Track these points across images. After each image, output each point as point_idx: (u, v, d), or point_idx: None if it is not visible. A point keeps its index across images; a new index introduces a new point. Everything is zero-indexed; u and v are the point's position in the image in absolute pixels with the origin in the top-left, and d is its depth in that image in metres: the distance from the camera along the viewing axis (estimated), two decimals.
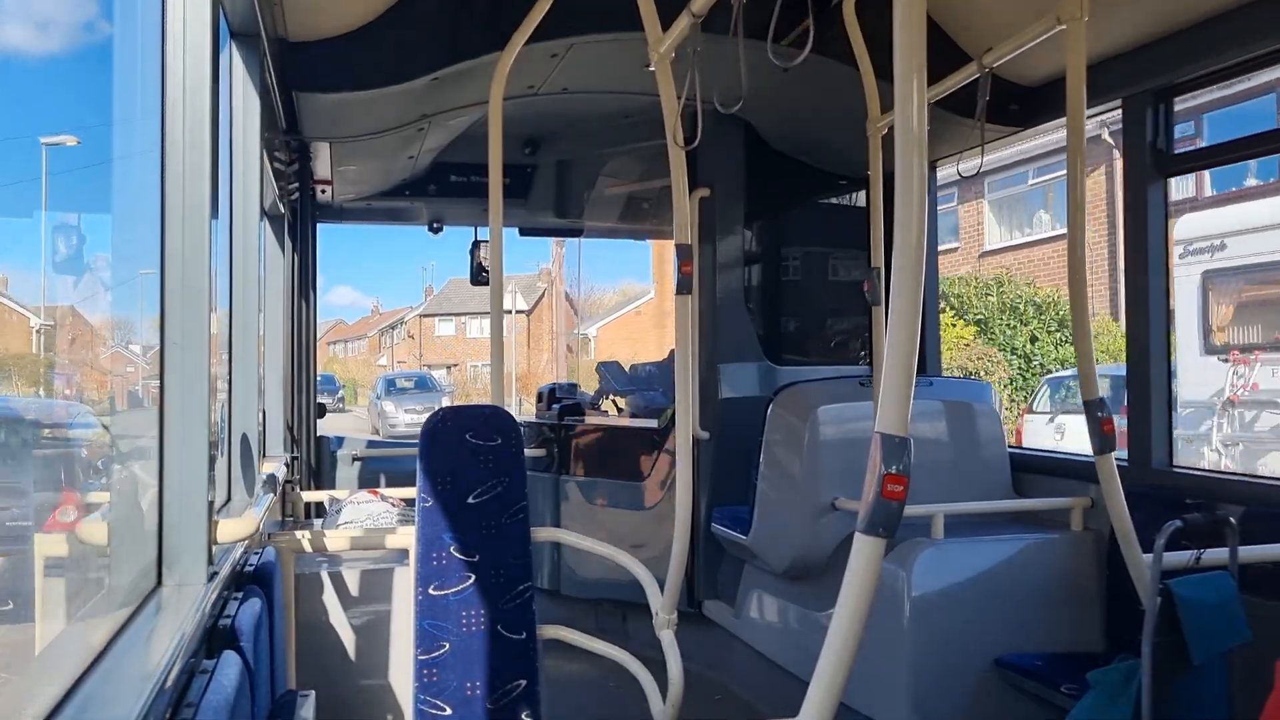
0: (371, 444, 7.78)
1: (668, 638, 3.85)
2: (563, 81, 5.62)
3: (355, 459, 7.45)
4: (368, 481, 7.14)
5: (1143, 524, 3.50)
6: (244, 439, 4.07)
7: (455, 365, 54.27)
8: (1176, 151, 4.44)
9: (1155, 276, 4.44)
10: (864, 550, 2.00)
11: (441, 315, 62.67)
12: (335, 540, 4.16)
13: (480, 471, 3.61)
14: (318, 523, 5.29)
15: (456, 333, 61.56)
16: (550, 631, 4.03)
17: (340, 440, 7.54)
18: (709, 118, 4.13)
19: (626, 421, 7.08)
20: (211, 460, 2.48)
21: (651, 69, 3.77)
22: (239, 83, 3.87)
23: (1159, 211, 4.45)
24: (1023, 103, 5.09)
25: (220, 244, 3.44)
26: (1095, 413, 3.53)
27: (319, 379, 7.37)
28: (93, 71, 2.38)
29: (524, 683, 3.56)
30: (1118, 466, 3.56)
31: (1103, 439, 3.51)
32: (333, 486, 6.98)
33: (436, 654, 3.50)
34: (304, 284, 6.50)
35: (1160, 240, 4.46)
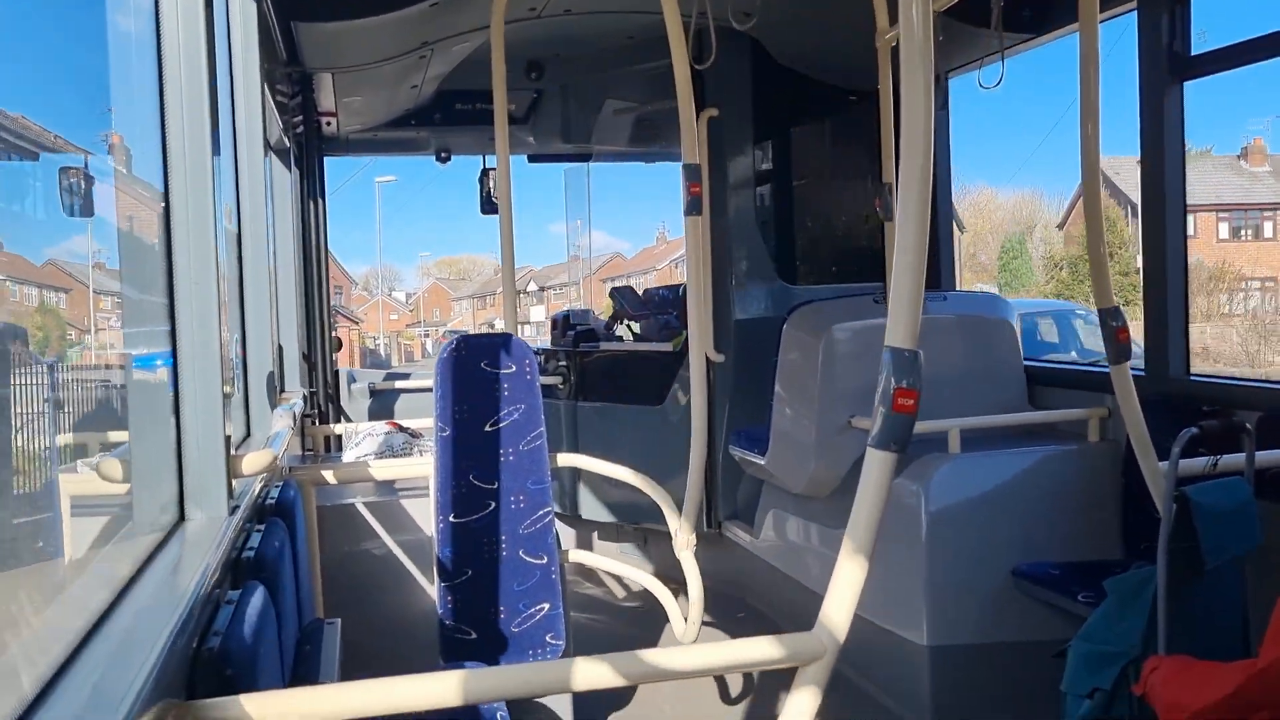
0: (389, 376, 7.83)
1: (688, 558, 3.90)
2: (565, 3, 5.52)
3: (373, 391, 7.50)
4: (386, 413, 7.19)
5: (1159, 433, 3.49)
6: (261, 374, 4.10)
7: None
8: (1194, 53, 4.34)
9: (1172, 184, 4.37)
10: (876, 465, 2.01)
11: None
12: (355, 472, 4.21)
13: (497, 399, 3.63)
14: (338, 455, 5.35)
15: None
16: (572, 556, 4.08)
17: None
18: (714, 35, 4.05)
19: (641, 346, 7.08)
20: (226, 396, 2.50)
21: None
22: (236, 14, 3.82)
23: (1176, 117, 4.36)
24: (1034, 8, 4.97)
25: (225, 180, 3.43)
26: (1110, 321, 3.51)
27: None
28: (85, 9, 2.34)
29: (547, 606, 3.62)
30: (1133, 376, 3.55)
31: (1118, 348, 3.50)
32: (353, 420, 7.04)
33: (460, 580, 3.56)
34: (314, 217, 6.48)
35: (1177, 147, 4.38)
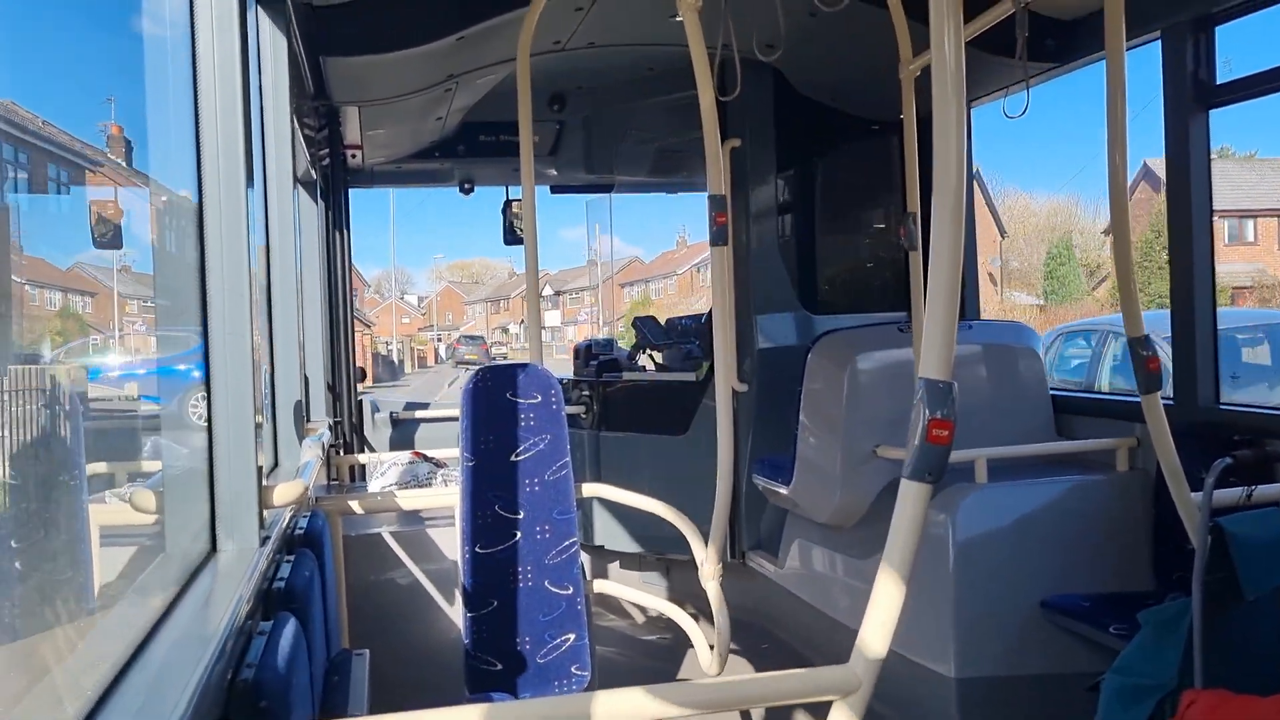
0: (409, 405, 7.86)
1: (713, 589, 3.87)
2: (589, 35, 5.57)
3: (395, 420, 7.53)
4: (407, 442, 7.22)
5: (1190, 462, 3.46)
6: (289, 404, 4.13)
7: None
8: (1219, 82, 4.34)
9: (1199, 211, 4.36)
10: (910, 496, 2.00)
11: None
12: (381, 502, 4.22)
13: (522, 429, 3.63)
14: (363, 485, 5.37)
15: None
16: (597, 586, 4.07)
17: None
18: (739, 66, 4.08)
19: (664, 376, 7.09)
20: (258, 427, 2.51)
21: (679, 19, 3.72)
22: (266, 49, 3.87)
23: (1201, 145, 4.35)
24: (1059, 38, 4.98)
25: (255, 212, 3.46)
26: (1140, 350, 3.48)
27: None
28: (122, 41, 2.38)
29: (572, 637, 3.61)
30: (1163, 405, 3.52)
31: (1148, 377, 3.47)
32: (377, 449, 7.07)
33: (485, 611, 3.55)
34: (339, 249, 6.53)
35: (1203, 174, 4.37)
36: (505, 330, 77.36)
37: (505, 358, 52.29)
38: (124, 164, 2.40)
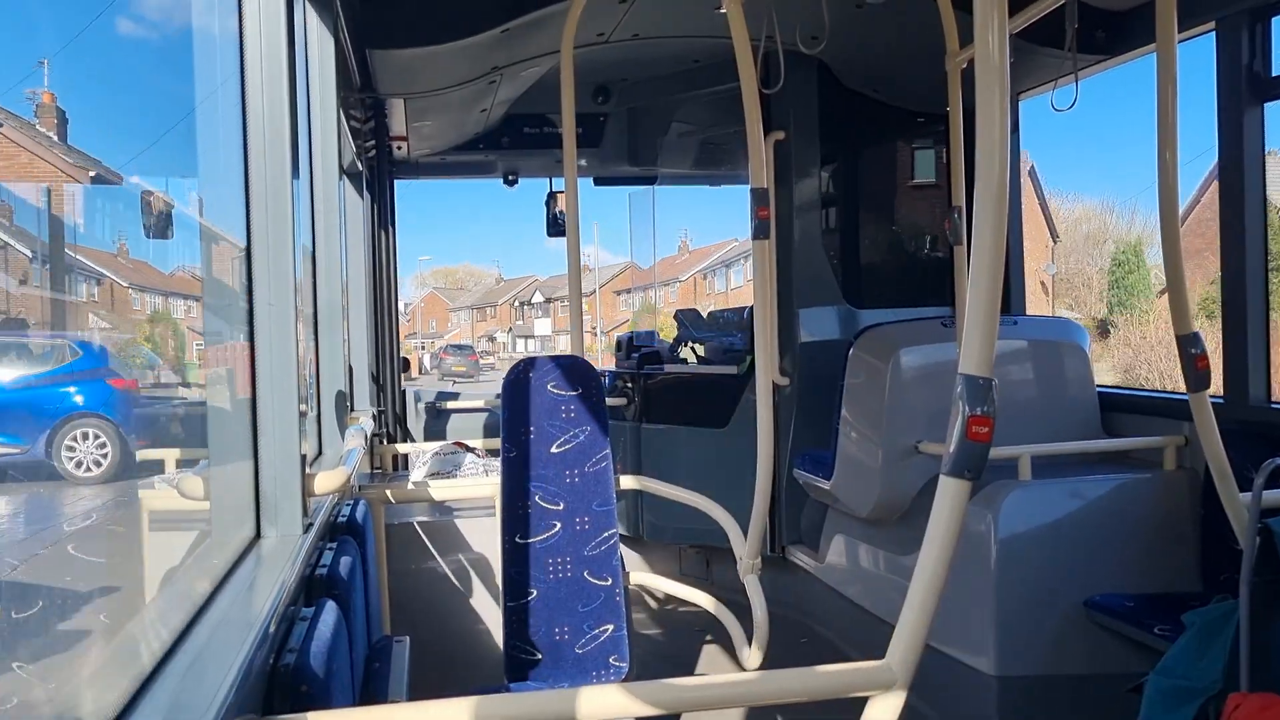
0: (442, 395, 7.92)
1: (752, 582, 3.87)
2: (633, 28, 5.56)
3: (439, 411, 7.59)
4: (441, 433, 7.28)
5: (1240, 462, 3.40)
6: (333, 393, 4.18)
7: None
8: (1275, 74, 4.25)
9: (1252, 206, 4.28)
10: (949, 493, 1.98)
11: None
12: (422, 492, 4.27)
13: (562, 421, 3.65)
14: (405, 474, 5.42)
15: None
16: (636, 578, 4.08)
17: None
18: (782, 59, 4.06)
19: (706, 369, 7.08)
20: (302, 415, 2.55)
21: (723, 10, 3.71)
22: (314, 42, 3.91)
23: (1256, 138, 4.27)
24: (1109, 29, 4.91)
25: (302, 203, 3.51)
26: (1189, 348, 3.43)
27: None
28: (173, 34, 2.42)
29: (611, 628, 3.62)
30: (1212, 404, 3.46)
31: (1197, 376, 3.41)
32: (418, 439, 7.13)
33: (524, 601, 3.58)
34: (384, 240, 6.60)
35: (1257, 168, 4.29)
36: (492, 339, 75.16)
37: (494, 368, 51.31)
38: (55, 137, 2.30)
